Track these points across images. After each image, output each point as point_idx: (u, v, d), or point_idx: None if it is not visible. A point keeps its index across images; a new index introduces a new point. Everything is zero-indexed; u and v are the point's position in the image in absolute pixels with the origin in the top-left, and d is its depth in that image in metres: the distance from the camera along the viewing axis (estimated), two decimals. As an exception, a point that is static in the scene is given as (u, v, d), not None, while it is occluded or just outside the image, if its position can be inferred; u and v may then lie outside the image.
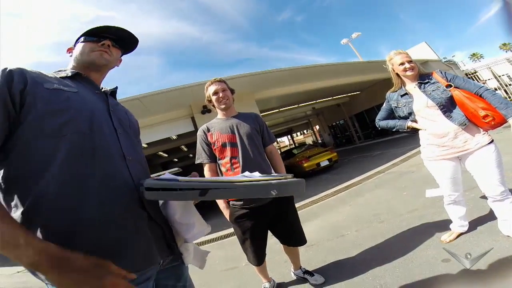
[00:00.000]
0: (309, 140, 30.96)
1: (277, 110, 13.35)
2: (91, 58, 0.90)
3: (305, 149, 10.80)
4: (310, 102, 14.62)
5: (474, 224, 2.13)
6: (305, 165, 8.58)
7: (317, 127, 24.19)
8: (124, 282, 0.56)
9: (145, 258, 0.74)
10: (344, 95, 15.83)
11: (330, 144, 19.01)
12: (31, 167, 0.59)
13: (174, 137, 9.42)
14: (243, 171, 1.70)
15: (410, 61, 1.90)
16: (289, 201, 1.95)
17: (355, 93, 15.73)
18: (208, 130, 1.87)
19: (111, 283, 0.54)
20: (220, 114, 1.96)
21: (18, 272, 5.08)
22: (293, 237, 1.98)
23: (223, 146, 1.81)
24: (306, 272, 2.22)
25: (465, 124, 1.75)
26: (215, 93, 1.88)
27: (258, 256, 1.92)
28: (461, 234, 2.07)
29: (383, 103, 2.25)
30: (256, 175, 0.78)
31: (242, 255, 2.02)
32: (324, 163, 8.80)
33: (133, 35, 0.99)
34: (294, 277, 2.29)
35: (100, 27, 0.91)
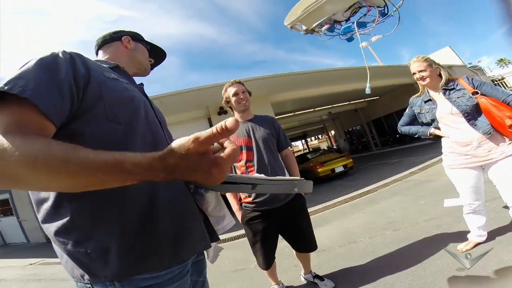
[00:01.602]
0: (324, 145, 30.59)
1: (292, 113, 13.29)
2: (146, 64, 1.01)
3: (320, 154, 10.69)
4: (326, 107, 14.47)
5: (493, 235, 2.05)
6: (319, 170, 8.48)
7: (333, 132, 23.84)
8: (221, 162, 0.49)
9: (203, 240, 0.79)
10: (362, 100, 15.54)
11: (346, 150, 18.69)
12: None
13: (190, 137, 9.56)
14: (258, 171, 1.75)
15: (421, 71, 1.87)
16: (302, 205, 1.93)
17: (373, 98, 15.41)
18: None
19: (218, 173, 0.49)
20: (237, 116, 1.94)
21: (31, 264, 5.32)
22: (305, 242, 1.96)
23: (240, 150, 1.80)
24: (316, 276, 2.19)
25: (490, 133, 1.70)
26: (235, 94, 1.86)
27: (267, 260, 1.91)
28: (478, 243, 1.99)
29: (402, 109, 2.21)
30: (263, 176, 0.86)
31: (252, 257, 2.02)
32: (339, 169, 8.68)
33: (159, 64, 1.15)
34: (304, 281, 2.27)
35: (158, 47, 1.08)
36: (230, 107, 1.95)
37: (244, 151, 1.82)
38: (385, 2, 0.76)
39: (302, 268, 2.25)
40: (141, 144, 0.70)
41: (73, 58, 0.64)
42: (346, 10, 0.74)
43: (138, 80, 0.97)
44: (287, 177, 0.70)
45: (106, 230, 0.60)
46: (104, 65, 0.81)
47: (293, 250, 2.08)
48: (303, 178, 0.83)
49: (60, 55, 0.62)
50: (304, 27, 0.93)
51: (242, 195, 1.87)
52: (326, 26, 0.95)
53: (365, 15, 0.78)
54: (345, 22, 0.79)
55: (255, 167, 1.79)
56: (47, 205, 0.61)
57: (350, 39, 0.87)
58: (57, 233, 0.61)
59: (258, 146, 1.82)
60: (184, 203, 0.67)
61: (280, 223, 1.88)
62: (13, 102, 0.51)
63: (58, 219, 0.60)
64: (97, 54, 0.97)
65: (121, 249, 0.60)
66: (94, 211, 0.60)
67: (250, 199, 1.83)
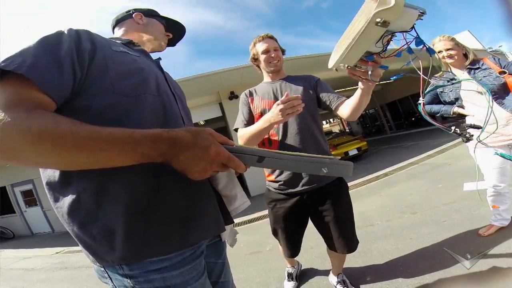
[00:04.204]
0: (336, 129, 30.22)
1: (304, 98, 13.10)
2: (160, 39, 0.99)
3: (333, 137, 10.54)
4: (338, 90, 14.12)
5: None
6: (332, 153, 8.38)
7: (345, 116, 23.40)
8: (223, 148, 0.56)
9: (216, 222, 0.74)
10: (376, 83, 15.10)
11: (359, 133, 18.42)
12: (104, 126, 0.52)
13: (202, 122, 9.62)
14: (280, 147, 1.46)
15: (449, 49, 1.82)
16: (340, 193, 1.56)
17: (387, 81, 14.93)
18: (251, 94, 1.59)
19: (215, 152, 0.55)
20: (266, 77, 1.65)
21: (57, 253, 5.55)
22: (338, 240, 1.53)
23: (263, 113, 1.48)
24: (341, 282, 1.85)
25: (519, 112, 1.63)
26: (266, 51, 1.54)
27: (290, 250, 1.69)
28: (501, 228, 1.96)
29: (418, 93, 2.14)
30: (298, 153, 0.75)
31: (266, 239, 1.99)
32: (353, 152, 8.55)
33: (180, 39, 1.14)
34: (333, 283, 1.92)
35: (175, 21, 1.06)
36: (258, 66, 1.64)
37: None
38: (413, 26, 0.71)
39: (332, 266, 1.93)
40: (151, 117, 0.68)
41: (79, 34, 0.63)
42: (377, 42, 0.70)
43: (156, 55, 0.97)
44: (315, 154, 0.56)
45: (110, 211, 0.58)
46: (117, 41, 0.80)
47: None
48: (337, 157, 0.67)
49: (66, 32, 0.62)
50: (347, 65, 0.89)
51: (266, 172, 1.60)
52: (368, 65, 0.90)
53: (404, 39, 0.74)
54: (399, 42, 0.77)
55: (279, 136, 1.47)
56: (55, 184, 0.61)
57: (431, 51, 0.87)
58: (66, 214, 0.60)
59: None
60: (195, 181, 0.59)
61: (310, 212, 1.59)
62: (11, 79, 0.51)
63: (66, 199, 0.60)
64: (113, 33, 0.98)
65: (127, 231, 0.58)
66: (99, 191, 0.59)
67: (273, 177, 1.55)
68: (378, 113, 17.59)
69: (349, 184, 5.08)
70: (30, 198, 9.47)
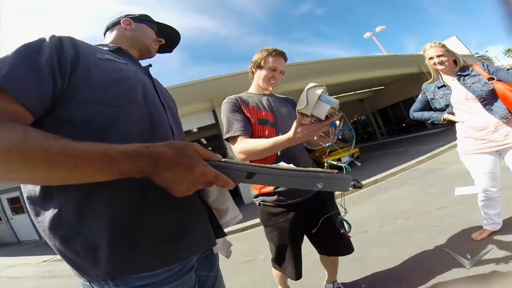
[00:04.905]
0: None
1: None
2: (149, 44, 0.96)
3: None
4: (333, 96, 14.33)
5: (508, 223, 2.03)
6: (325, 160, 8.44)
7: (337, 122, 23.74)
8: (210, 168, 0.53)
9: (206, 237, 0.72)
10: (367, 89, 15.37)
11: (351, 140, 18.61)
12: (87, 138, 0.50)
13: (195, 130, 9.58)
14: (278, 159, 1.36)
15: (440, 56, 1.84)
16: (332, 196, 1.57)
17: (378, 88, 15.22)
18: (242, 101, 1.46)
19: (200, 172, 0.51)
20: (255, 88, 1.57)
21: (45, 261, 5.40)
22: (338, 244, 1.53)
23: (262, 123, 1.41)
24: None
25: (507, 118, 1.67)
26: (274, 69, 1.46)
27: (297, 267, 1.52)
28: (493, 232, 1.98)
29: (409, 99, 2.19)
30: (292, 167, 0.73)
31: (260, 247, 1.93)
32: (345, 158, 8.63)
33: (176, 45, 1.11)
34: None
35: (169, 26, 1.04)
36: (253, 72, 1.55)
37: (267, 126, 1.41)
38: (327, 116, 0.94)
39: (327, 273, 1.90)
40: (137, 128, 0.65)
41: (62, 41, 0.61)
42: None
43: (148, 62, 0.95)
44: (310, 168, 0.55)
45: (94, 226, 0.56)
46: (104, 48, 0.78)
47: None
48: (334, 171, 0.65)
49: (47, 39, 0.59)
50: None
51: (258, 185, 1.47)
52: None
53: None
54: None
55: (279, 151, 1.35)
56: (36, 198, 0.58)
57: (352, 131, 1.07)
58: (47, 229, 0.57)
59: (284, 124, 1.41)
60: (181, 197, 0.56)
61: (308, 221, 1.50)
62: None
63: (47, 213, 0.57)
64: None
65: (111, 247, 0.56)
66: (81, 205, 0.56)
67: (270, 189, 1.44)
68: (369, 119, 17.84)
69: (342, 190, 5.16)
70: (17, 206, 9.32)
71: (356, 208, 3.95)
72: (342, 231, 1.37)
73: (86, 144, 0.48)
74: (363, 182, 5.34)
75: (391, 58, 10.89)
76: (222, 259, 0.94)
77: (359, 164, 1.11)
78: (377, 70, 10.54)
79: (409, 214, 3.00)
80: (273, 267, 1.62)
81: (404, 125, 14.90)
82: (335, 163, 1.14)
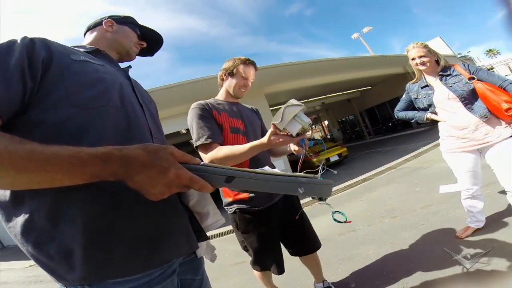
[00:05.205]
0: (318, 136, 30.79)
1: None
2: (129, 47, 0.94)
3: (314, 143, 10.72)
4: (319, 97, 14.48)
5: (490, 220, 2.09)
6: (314, 160, 8.50)
7: (326, 122, 24.02)
8: (185, 171, 0.51)
9: (187, 241, 0.71)
10: (355, 90, 15.61)
11: (339, 140, 18.87)
12: (61, 141, 0.50)
13: (184, 131, 9.47)
14: (251, 166, 1.39)
15: (422, 56, 1.87)
16: (297, 197, 1.67)
17: (366, 88, 15.48)
18: (214, 108, 1.43)
19: (174, 175, 0.50)
20: (224, 96, 1.56)
21: (31, 266, 5.26)
22: (310, 240, 1.64)
23: (234, 131, 1.43)
24: None
25: (487, 117, 1.72)
26: (246, 78, 1.50)
27: (282, 263, 1.60)
28: (477, 229, 2.03)
29: (395, 99, 2.23)
30: (277, 171, 0.73)
31: None
32: (334, 158, 8.75)
33: (158, 49, 1.09)
34: None
35: (152, 30, 1.02)
36: (223, 79, 1.56)
37: (239, 135, 1.44)
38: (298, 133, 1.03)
39: (313, 275, 1.91)
40: (112, 130, 0.64)
41: (33, 43, 0.60)
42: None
43: (132, 63, 0.95)
44: (291, 173, 0.54)
45: (68, 230, 0.54)
46: (80, 49, 0.77)
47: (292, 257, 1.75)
48: (316, 176, 0.65)
49: (18, 41, 0.58)
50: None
51: (231, 192, 1.49)
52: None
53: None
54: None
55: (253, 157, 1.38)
56: (6, 203, 0.57)
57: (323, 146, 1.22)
58: (19, 234, 0.55)
59: (254, 134, 1.51)
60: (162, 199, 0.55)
61: (282, 221, 1.57)
62: None
63: (18, 218, 0.55)
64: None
65: (86, 251, 0.54)
66: (54, 209, 0.55)
67: (245, 195, 1.46)
68: (357, 119, 18.11)
69: (332, 190, 5.22)
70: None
71: (345, 207, 4.01)
72: (343, 221, 1.45)
73: (55, 148, 0.47)
74: (352, 181, 5.42)
75: (378, 59, 11.10)
76: (214, 262, 0.94)
77: (335, 172, 1.19)
78: (364, 71, 10.71)
79: (396, 213, 3.06)
80: (255, 269, 1.68)
81: (390, 124, 15.20)
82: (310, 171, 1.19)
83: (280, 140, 1.04)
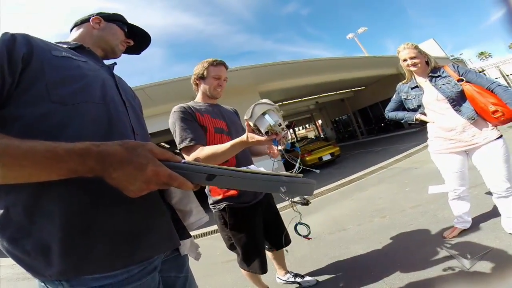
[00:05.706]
0: (311, 135, 30.95)
1: (280, 103, 13.31)
2: (115, 45, 0.94)
3: (307, 142, 10.78)
4: (313, 96, 14.56)
5: (477, 221, 2.12)
6: (307, 158, 8.58)
7: (320, 121, 24.17)
8: (164, 168, 0.51)
9: (169, 238, 0.71)
10: (349, 90, 15.72)
11: (333, 139, 19.01)
12: (40, 137, 0.49)
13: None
14: (238, 165, 1.43)
15: (413, 57, 1.88)
16: (272, 195, 1.81)
17: (359, 88, 15.61)
18: (196, 110, 1.47)
19: (152, 172, 0.50)
20: (203, 98, 1.61)
21: None
22: (285, 235, 1.74)
23: (218, 132, 1.48)
24: (297, 275, 2.07)
25: (474, 119, 1.74)
26: (218, 78, 1.55)
27: (264, 261, 1.65)
28: (463, 230, 2.06)
29: (387, 99, 2.24)
30: (262, 170, 0.73)
31: None
32: (327, 157, 8.81)
33: (145, 48, 1.09)
34: (283, 283, 2.12)
35: (141, 29, 1.02)
36: (197, 84, 1.61)
37: (223, 135, 1.48)
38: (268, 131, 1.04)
39: (278, 269, 2.08)
40: (92, 127, 0.64)
41: (14, 38, 0.60)
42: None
43: (115, 60, 0.95)
44: (273, 172, 0.54)
45: (45, 226, 0.54)
46: (64, 46, 0.76)
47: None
48: (299, 175, 0.65)
49: None
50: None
51: (221, 190, 1.53)
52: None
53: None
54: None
55: (236, 157, 1.44)
56: None
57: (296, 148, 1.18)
58: None
59: (236, 133, 1.54)
60: (144, 194, 0.54)
61: (264, 217, 1.67)
62: None
63: None
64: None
65: (63, 247, 0.54)
66: (31, 205, 0.54)
67: (234, 192, 1.50)
68: (350, 118, 18.27)
69: (323, 189, 5.21)
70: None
71: (336, 206, 4.04)
72: (303, 235, 1.45)
73: (32, 142, 0.47)
74: (343, 180, 5.47)
75: (371, 59, 11.20)
76: (204, 259, 0.94)
77: (317, 171, 1.18)
78: (358, 71, 10.80)
79: (385, 213, 3.09)
80: (242, 268, 1.71)
81: (382, 124, 15.40)
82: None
83: (255, 138, 1.05)
